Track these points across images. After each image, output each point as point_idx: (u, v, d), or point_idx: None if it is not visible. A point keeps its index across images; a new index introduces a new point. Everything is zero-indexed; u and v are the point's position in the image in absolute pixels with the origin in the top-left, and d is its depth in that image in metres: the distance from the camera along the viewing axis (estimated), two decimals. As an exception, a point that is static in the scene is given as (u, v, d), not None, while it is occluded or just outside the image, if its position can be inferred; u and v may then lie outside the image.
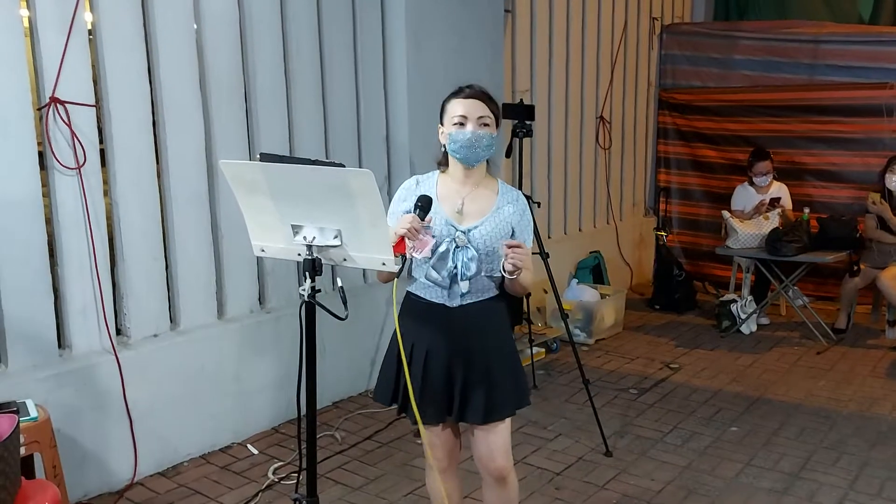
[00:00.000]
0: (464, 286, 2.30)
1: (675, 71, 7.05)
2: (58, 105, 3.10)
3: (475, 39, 4.76)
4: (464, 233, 2.30)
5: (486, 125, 2.30)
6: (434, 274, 2.29)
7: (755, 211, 5.61)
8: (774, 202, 5.57)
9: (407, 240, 2.16)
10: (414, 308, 2.38)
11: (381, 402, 2.50)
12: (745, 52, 6.61)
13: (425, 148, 4.57)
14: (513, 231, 2.36)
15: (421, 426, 2.29)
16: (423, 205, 2.20)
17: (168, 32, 3.45)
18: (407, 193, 2.39)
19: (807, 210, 5.56)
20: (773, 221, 5.46)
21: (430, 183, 2.39)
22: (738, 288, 5.97)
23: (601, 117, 6.47)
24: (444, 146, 2.36)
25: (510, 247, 2.18)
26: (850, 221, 5.49)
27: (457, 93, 2.35)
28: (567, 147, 6.15)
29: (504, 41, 5.17)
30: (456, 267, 2.28)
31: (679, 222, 7.09)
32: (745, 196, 5.82)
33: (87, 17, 3.24)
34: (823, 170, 6.20)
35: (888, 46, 5.93)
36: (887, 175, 5.25)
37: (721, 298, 5.92)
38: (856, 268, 5.40)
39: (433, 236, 2.25)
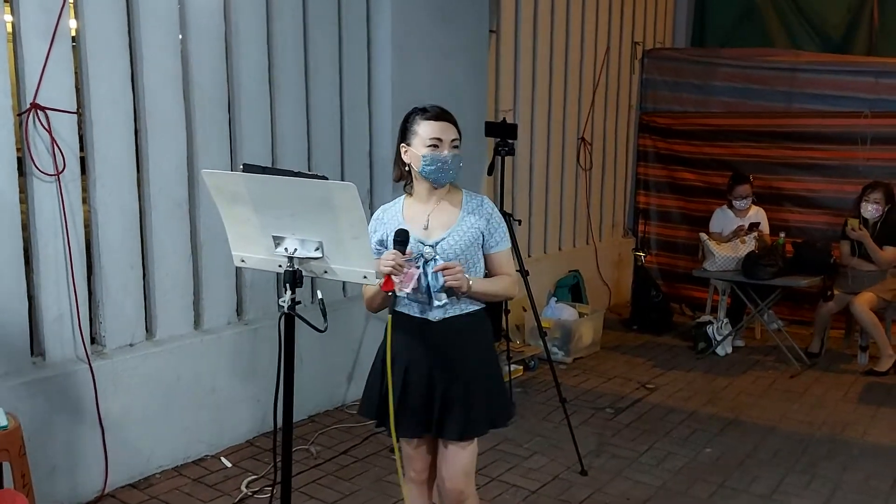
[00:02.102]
0: (440, 298, 2.30)
1: (656, 95, 7.15)
2: (38, 111, 3.08)
3: (460, 58, 4.81)
4: (431, 246, 2.32)
5: (455, 147, 2.36)
6: (409, 295, 2.29)
7: (733, 235, 5.68)
8: (753, 227, 5.65)
9: (393, 276, 2.18)
10: (396, 323, 2.38)
11: (367, 417, 2.51)
12: (725, 79, 6.72)
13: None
14: (482, 234, 2.38)
15: (395, 438, 2.30)
16: (402, 239, 2.23)
17: (152, 41, 3.45)
18: (376, 224, 2.43)
19: (782, 234, 5.64)
20: (749, 245, 5.53)
21: (396, 209, 2.42)
22: (714, 310, 6.02)
23: (582, 138, 6.53)
24: (408, 165, 2.37)
25: (439, 269, 2.26)
26: (825, 247, 5.56)
27: (423, 112, 2.36)
28: (549, 167, 6.20)
29: (488, 61, 5.22)
30: (423, 281, 2.29)
31: (657, 244, 7.16)
32: (723, 219, 5.89)
33: (72, 23, 3.24)
34: (799, 195, 6.30)
35: (862, 77, 6.06)
36: (863, 203, 5.34)
37: (697, 320, 5.97)
38: (830, 293, 5.48)
39: (417, 266, 2.27)
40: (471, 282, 2.30)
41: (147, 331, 3.60)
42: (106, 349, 3.42)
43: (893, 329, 5.53)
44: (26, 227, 3.15)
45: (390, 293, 2.20)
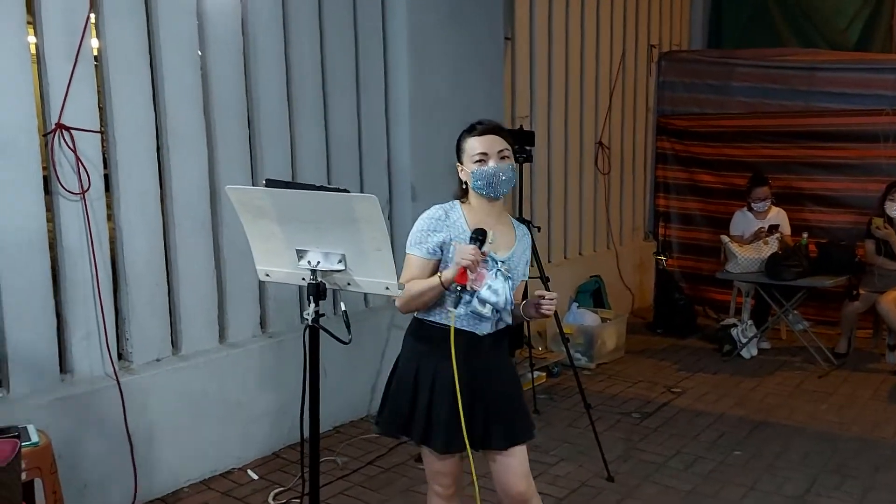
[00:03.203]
0: (507, 316, 2.36)
1: (673, 97, 7.12)
2: (63, 131, 3.13)
3: (475, 66, 4.82)
4: (504, 262, 2.34)
5: (505, 157, 2.35)
6: (480, 306, 2.28)
7: (754, 237, 5.63)
8: (773, 229, 5.60)
9: (469, 272, 2.18)
10: (433, 335, 2.36)
11: (389, 435, 2.50)
12: (742, 79, 6.68)
13: (426, 172, 4.62)
14: (526, 262, 2.47)
15: (469, 452, 2.30)
16: (482, 238, 2.23)
17: (173, 59, 3.50)
18: (437, 224, 2.35)
19: (805, 235, 5.58)
20: (772, 246, 5.48)
21: (458, 213, 2.39)
22: (738, 312, 5.97)
23: (600, 143, 6.52)
24: (465, 183, 2.39)
25: (542, 297, 2.30)
26: (849, 246, 5.51)
27: (471, 130, 2.38)
28: (567, 172, 6.19)
29: (504, 68, 5.23)
30: (505, 297, 2.29)
31: (679, 246, 7.12)
32: (743, 221, 5.85)
33: (94, 43, 3.29)
34: (821, 195, 6.23)
35: (882, 74, 5.99)
36: (887, 202, 5.28)
37: (721, 322, 5.92)
38: (855, 292, 5.41)
39: (489, 269, 2.27)
40: None
41: (173, 346, 3.64)
42: (133, 365, 3.46)
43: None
44: (53, 246, 3.20)
45: (458, 288, 2.18)
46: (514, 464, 2.42)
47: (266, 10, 3.87)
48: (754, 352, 5.65)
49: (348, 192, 2.04)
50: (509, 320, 2.43)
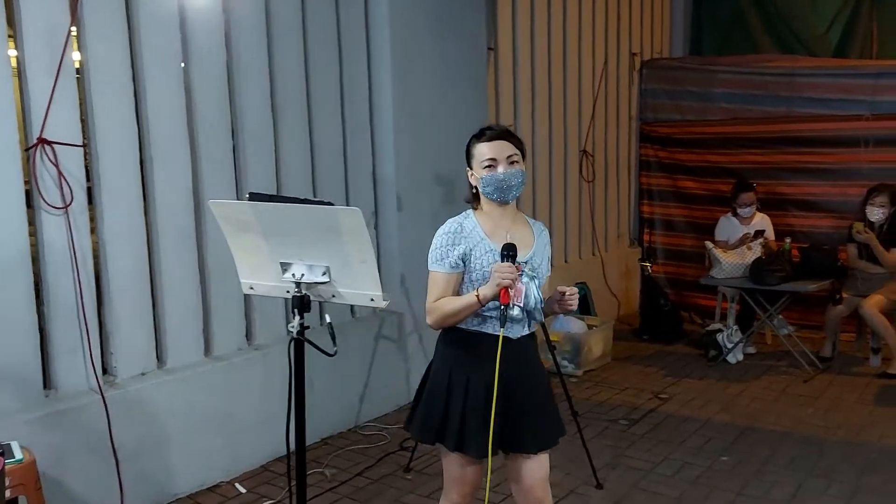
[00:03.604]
0: (539, 315, 2.37)
1: (656, 105, 7.17)
2: (45, 145, 3.12)
3: (459, 76, 4.84)
4: (524, 263, 2.33)
5: (515, 162, 2.37)
6: (516, 312, 2.27)
7: (739, 243, 5.68)
8: (758, 234, 5.65)
9: (510, 289, 2.20)
10: (465, 341, 2.37)
11: (425, 443, 2.49)
12: (724, 86, 6.74)
13: (412, 183, 4.63)
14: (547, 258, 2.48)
15: (490, 457, 2.29)
16: (513, 253, 2.24)
17: (155, 72, 3.49)
18: (455, 238, 2.37)
19: (788, 240, 5.63)
20: (755, 251, 5.52)
21: (472, 223, 2.40)
22: (723, 318, 6.01)
23: (584, 151, 6.56)
24: (475, 188, 2.41)
25: (564, 293, 2.33)
26: (832, 250, 5.56)
27: (480, 136, 2.40)
28: (551, 180, 6.22)
29: (487, 77, 5.25)
30: (533, 298, 2.29)
31: (664, 253, 7.16)
32: (728, 227, 5.89)
33: (76, 56, 3.28)
34: (803, 200, 6.30)
35: (861, 79, 6.07)
36: (868, 206, 5.34)
37: (707, 328, 5.96)
38: (839, 296, 5.47)
39: (523, 281, 2.28)
40: None
41: (158, 360, 3.62)
42: (118, 379, 3.44)
43: (904, 330, 5.52)
44: (36, 261, 3.18)
45: (503, 307, 2.20)
46: (540, 467, 2.44)
47: (249, 22, 3.88)
48: (740, 357, 5.68)
49: (332, 204, 2.05)
50: (541, 318, 2.46)
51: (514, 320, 2.30)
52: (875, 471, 3.76)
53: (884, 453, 3.96)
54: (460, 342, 2.38)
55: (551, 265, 2.55)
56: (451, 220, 2.43)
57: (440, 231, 2.41)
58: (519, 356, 2.39)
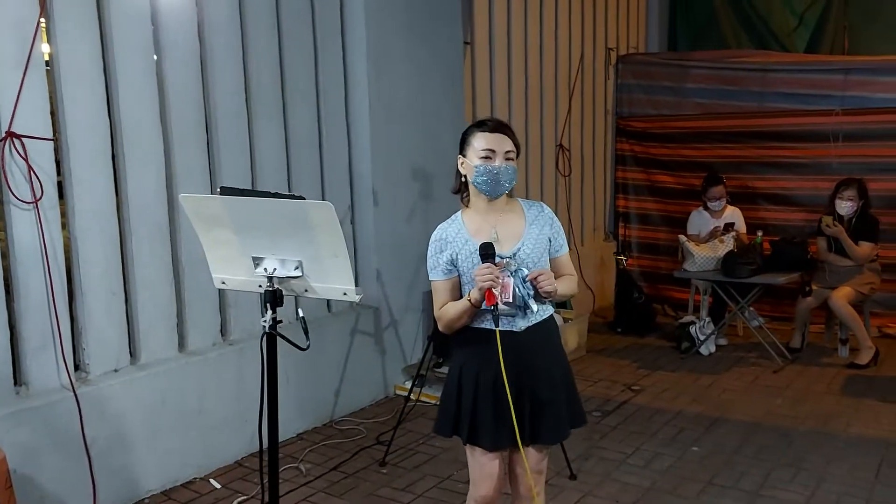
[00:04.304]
0: (534, 305, 2.32)
1: (631, 99, 7.23)
2: (14, 139, 3.08)
3: (435, 70, 4.85)
4: (510, 257, 2.33)
5: (510, 159, 2.37)
6: (505, 308, 2.28)
7: (710, 236, 5.75)
8: (728, 227, 5.72)
9: (493, 289, 2.19)
10: (473, 338, 2.37)
11: (441, 434, 2.50)
12: (697, 81, 6.82)
13: (387, 178, 4.64)
14: (549, 240, 2.43)
15: (522, 449, 2.32)
16: (490, 252, 2.24)
17: (127, 64, 3.46)
18: (441, 245, 2.39)
19: (760, 233, 5.71)
20: (727, 244, 5.60)
21: (457, 225, 2.40)
22: (696, 310, 6.09)
23: (560, 145, 6.60)
24: (465, 176, 2.39)
25: (535, 277, 2.26)
26: (802, 243, 5.64)
27: (480, 125, 2.40)
28: (528, 174, 6.25)
29: (464, 72, 5.26)
30: (519, 291, 2.29)
31: (638, 246, 7.23)
32: (699, 220, 5.97)
33: (45, 48, 3.24)
34: (775, 194, 6.39)
35: (831, 74, 6.17)
36: (837, 200, 5.42)
37: (680, 320, 6.03)
38: (808, 288, 5.56)
39: (508, 276, 2.27)
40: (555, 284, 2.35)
41: (131, 355, 3.60)
42: (90, 376, 3.41)
43: (872, 322, 5.63)
44: (6, 256, 3.15)
45: (493, 307, 2.20)
46: (540, 458, 2.47)
47: (223, 15, 3.85)
48: (712, 348, 5.76)
49: (304, 199, 2.05)
50: (540, 308, 2.37)
51: (509, 315, 2.31)
52: (842, 459, 3.84)
53: (850, 443, 4.05)
54: (469, 340, 2.39)
55: (562, 244, 2.48)
56: (440, 226, 2.44)
57: (431, 239, 2.43)
58: (527, 348, 2.37)
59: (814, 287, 5.55)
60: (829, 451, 3.94)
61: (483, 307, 2.25)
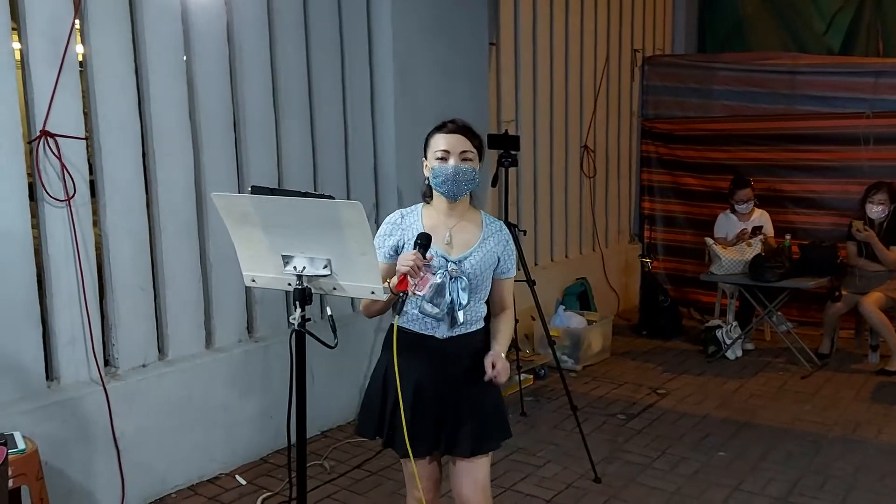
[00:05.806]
0: (461, 316, 2.31)
1: (657, 101, 7.18)
2: (48, 138, 3.13)
3: (461, 71, 4.85)
4: (455, 263, 2.32)
5: (468, 160, 2.32)
6: (430, 307, 2.30)
7: (737, 239, 5.69)
8: (756, 230, 5.66)
9: (409, 277, 2.16)
10: (402, 340, 2.34)
11: (365, 436, 2.50)
12: (725, 83, 6.75)
13: (412, 178, 4.62)
14: (498, 259, 2.40)
15: (412, 460, 2.30)
16: (424, 242, 2.21)
17: (158, 65, 3.50)
18: (392, 228, 2.39)
19: (788, 236, 5.64)
20: (755, 248, 5.54)
21: (415, 216, 2.40)
22: (722, 314, 6.03)
23: (585, 146, 6.57)
24: (428, 179, 2.38)
25: (492, 365, 2.31)
26: (831, 248, 5.57)
27: (440, 127, 2.37)
28: (552, 176, 6.23)
29: (489, 73, 5.26)
30: (452, 299, 2.29)
31: (664, 249, 7.18)
32: (727, 223, 5.91)
33: (79, 49, 3.29)
34: (804, 197, 6.31)
35: (862, 77, 6.08)
36: (867, 204, 5.35)
37: (706, 324, 5.97)
38: (837, 293, 5.48)
39: (433, 273, 2.26)
40: (502, 355, 2.37)
41: (159, 351, 3.64)
42: (119, 371, 3.46)
43: (903, 328, 5.54)
44: (39, 253, 3.20)
45: (401, 294, 2.16)
46: (472, 474, 2.39)
47: (252, 16, 3.88)
48: (739, 353, 5.70)
49: (333, 198, 2.06)
50: (468, 321, 2.35)
51: (432, 317, 2.30)
52: (871, 468, 3.78)
53: (880, 450, 3.99)
54: (397, 341, 2.32)
55: (518, 267, 2.50)
56: (399, 210, 2.43)
57: (385, 220, 2.42)
58: (450, 356, 2.35)
59: (843, 292, 5.47)
60: (858, 459, 3.88)
61: (392, 291, 2.17)
